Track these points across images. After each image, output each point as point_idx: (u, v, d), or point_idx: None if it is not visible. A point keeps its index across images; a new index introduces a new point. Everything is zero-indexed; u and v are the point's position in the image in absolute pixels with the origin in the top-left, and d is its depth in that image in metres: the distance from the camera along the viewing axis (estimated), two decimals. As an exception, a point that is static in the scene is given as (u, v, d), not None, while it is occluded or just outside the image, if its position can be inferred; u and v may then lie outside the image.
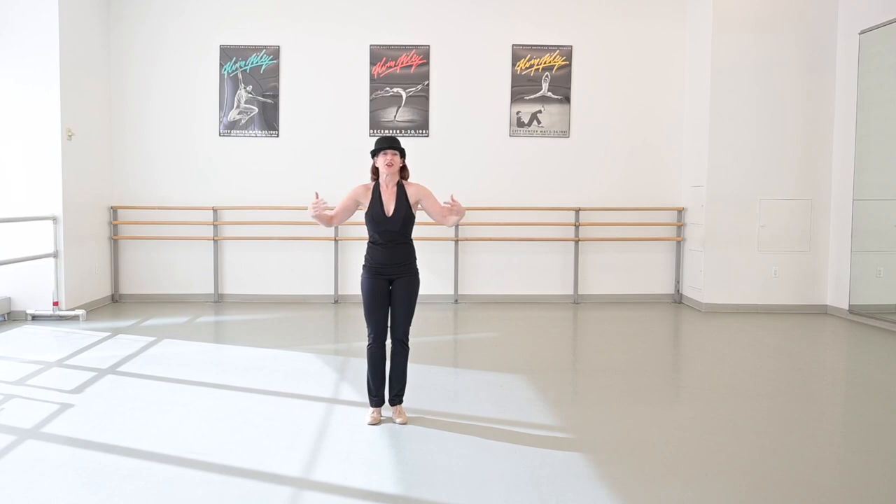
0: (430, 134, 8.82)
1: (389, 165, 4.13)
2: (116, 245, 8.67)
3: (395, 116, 8.80)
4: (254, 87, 8.74)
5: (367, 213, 4.18)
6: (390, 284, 4.16)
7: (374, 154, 4.20)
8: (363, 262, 4.25)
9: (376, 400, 4.24)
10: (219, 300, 8.73)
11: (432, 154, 8.78)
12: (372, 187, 4.21)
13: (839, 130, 8.21)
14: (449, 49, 8.80)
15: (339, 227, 8.70)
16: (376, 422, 4.17)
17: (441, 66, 8.81)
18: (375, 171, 4.23)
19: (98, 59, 8.34)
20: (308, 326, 7.35)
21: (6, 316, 7.34)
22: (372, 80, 8.78)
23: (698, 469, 3.58)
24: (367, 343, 4.21)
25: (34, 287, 7.37)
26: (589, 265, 8.93)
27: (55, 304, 7.39)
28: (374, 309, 4.14)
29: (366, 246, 4.25)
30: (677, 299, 8.97)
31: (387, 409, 4.30)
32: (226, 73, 8.73)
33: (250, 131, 8.77)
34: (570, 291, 8.91)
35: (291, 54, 8.74)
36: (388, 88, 8.79)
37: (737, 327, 7.42)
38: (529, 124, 8.87)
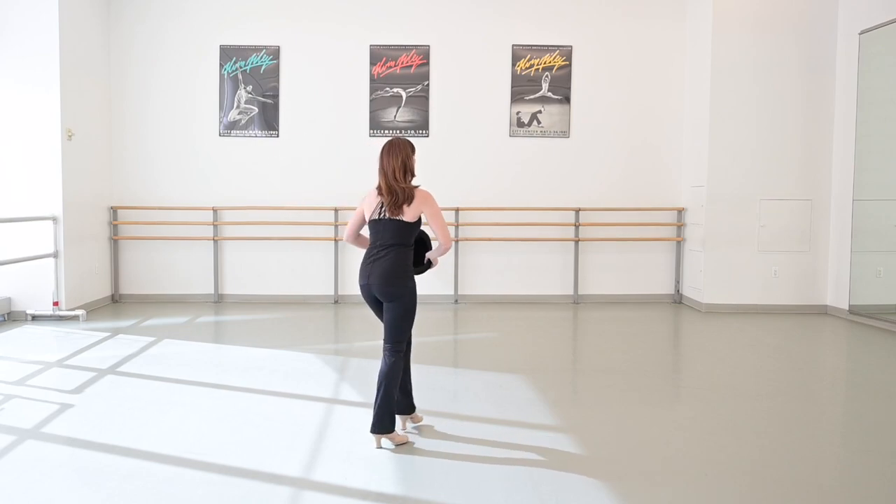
0: (430, 134, 8.82)
1: None
2: (116, 245, 8.67)
3: (395, 116, 8.80)
4: (254, 87, 8.74)
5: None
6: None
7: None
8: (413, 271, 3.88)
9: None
10: (219, 300, 8.73)
11: (432, 154, 8.77)
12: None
13: (839, 130, 8.21)
14: (449, 49, 8.80)
15: (339, 226, 8.71)
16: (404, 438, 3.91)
17: (441, 66, 8.81)
18: (413, 172, 3.87)
19: (98, 59, 8.34)
20: (308, 326, 7.35)
21: (6, 316, 7.34)
22: (372, 80, 8.78)
23: (698, 469, 3.58)
24: (400, 353, 3.85)
25: (34, 287, 7.37)
26: (589, 265, 8.93)
27: (55, 304, 7.39)
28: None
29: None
30: (677, 299, 8.97)
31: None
32: (226, 73, 8.73)
33: (250, 131, 8.77)
34: (570, 291, 8.91)
35: (291, 54, 8.74)
36: (388, 88, 8.79)
37: (737, 327, 7.42)
38: (529, 124, 8.87)
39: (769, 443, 3.95)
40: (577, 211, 8.83)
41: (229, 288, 8.79)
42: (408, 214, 3.76)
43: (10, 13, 7.25)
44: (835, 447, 3.96)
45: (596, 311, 8.32)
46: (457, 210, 8.75)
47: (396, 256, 3.77)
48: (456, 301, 8.83)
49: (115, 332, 6.86)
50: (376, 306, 3.92)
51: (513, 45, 8.83)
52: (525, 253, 8.90)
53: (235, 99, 8.74)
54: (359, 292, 8.62)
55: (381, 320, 3.92)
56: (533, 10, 8.82)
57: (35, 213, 7.30)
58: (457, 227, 8.77)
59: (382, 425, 3.75)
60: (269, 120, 8.76)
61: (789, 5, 8.22)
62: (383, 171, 3.80)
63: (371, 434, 3.78)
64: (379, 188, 3.84)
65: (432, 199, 3.85)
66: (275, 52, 8.73)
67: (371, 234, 3.90)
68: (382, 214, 3.80)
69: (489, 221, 8.80)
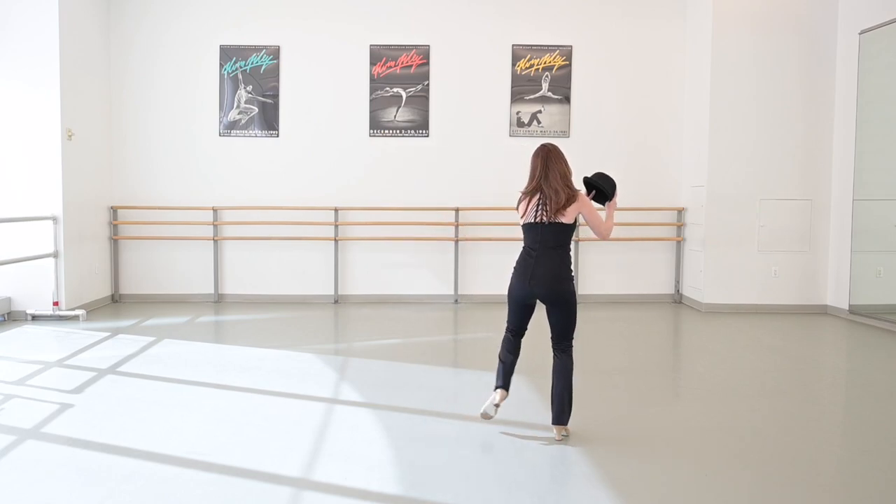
0: (430, 134, 8.82)
1: None
2: (116, 245, 8.67)
3: (395, 116, 8.80)
4: (254, 87, 8.74)
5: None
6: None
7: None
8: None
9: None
10: (219, 300, 8.73)
11: (432, 154, 8.78)
12: None
13: (839, 130, 8.21)
14: (449, 49, 8.80)
15: (339, 226, 8.71)
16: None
17: (441, 66, 8.80)
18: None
19: (98, 59, 8.34)
20: (308, 326, 7.35)
21: (6, 316, 7.34)
22: (372, 80, 8.78)
23: (698, 469, 3.58)
24: (571, 350, 4.02)
25: (34, 287, 7.37)
26: (589, 265, 8.92)
27: (55, 304, 7.38)
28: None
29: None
30: (677, 299, 8.97)
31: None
32: (226, 73, 8.73)
33: (250, 131, 8.77)
34: (570, 291, 8.90)
35: (291, 54, 8.74)
36: (388, 88, 8.78)
37: (737, 327, 7.41)
38: (529, 124, 8.87)
39: (769, 443, 3.95)
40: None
41: (229, 288, 8.78)
42: (568, 217, 3.93)
43: (10, 13, 7.25)
44: (835, 447, 3.96)
45: (596, 311, 8.32)
46: (457, 210, 8.74)
47: (561, 258, 3.97)
48: (456, 301, 8.82)
49: (115, 332, 6.86)
50: (526, 308, 4.05)
51: (513, 45, 8.83)
52: (525, 253, 8.89)
53: (235, 99, 8.74)
54: (359, 292, 8.75)
55: (522, 322, 4.08)
56: (533, 10, 8.81)
57: (35, 213, 7.30)
58: (456, 227, 8.76)
59: (562, 418, 3.89)
60: (269, 120, 8.76)
61: (789, 5, 8.22)
62: (544, 175, 3.99)
63: (553, 425, 3.91)
64: (530, 192, 4.01)
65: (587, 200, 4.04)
66: (275, 52, 8.73)
67: (527, 238, 4.08)
68: (539, 218, 3.95)
69: (489, 221, 8.79)
